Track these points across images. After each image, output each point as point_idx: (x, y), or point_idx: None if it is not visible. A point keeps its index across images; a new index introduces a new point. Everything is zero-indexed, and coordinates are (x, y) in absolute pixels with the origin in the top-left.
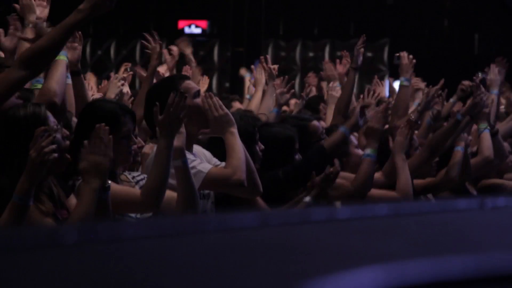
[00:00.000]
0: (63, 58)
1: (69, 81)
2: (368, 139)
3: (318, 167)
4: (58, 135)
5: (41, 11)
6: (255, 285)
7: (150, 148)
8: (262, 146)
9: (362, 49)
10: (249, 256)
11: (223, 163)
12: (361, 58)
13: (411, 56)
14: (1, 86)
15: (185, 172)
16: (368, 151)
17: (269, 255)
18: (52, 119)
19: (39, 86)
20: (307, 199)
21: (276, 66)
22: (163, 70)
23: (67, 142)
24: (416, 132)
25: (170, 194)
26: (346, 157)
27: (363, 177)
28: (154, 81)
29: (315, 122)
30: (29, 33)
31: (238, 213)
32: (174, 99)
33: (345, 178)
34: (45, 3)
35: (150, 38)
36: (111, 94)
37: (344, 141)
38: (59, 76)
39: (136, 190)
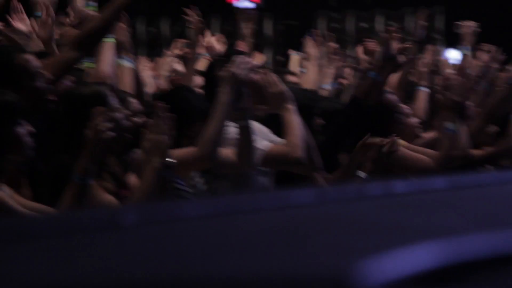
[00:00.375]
0: (111, 40)
1: (125, 62)
2: (448, 112)
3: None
4: (119, 115)
5: None
6: (313, 263)
7: None
8: (321, 121)
9: (423, 22)
10: (306, 234)
11: (281, 140)
12: (423, 31)
13: (473, 24)
14: (54, 67)
15: (248, 132)
16: (450, 125)
17: (326, 232)
18: (114, 99)
19: (93, 65)
20: (362, 174)
21: (332, 44)
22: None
23: (128, 122)
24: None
25: (226, 152)
26: (393, 124)
27: (445, 152)
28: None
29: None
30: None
31: (295, 190)
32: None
33: (415, 150)
34: None
35: (191, 13)
36: (165, 72)
37: (375, 86)
38: (109, 58)
39: (192, 147)
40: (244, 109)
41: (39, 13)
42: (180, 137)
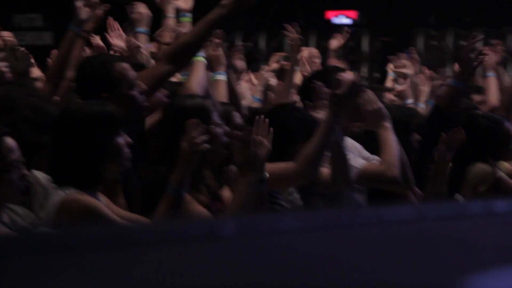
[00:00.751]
0: (201, 59)
1: (221, 77)
2: None
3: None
4: (218, 130)
5: (185, 2)
6: (413, 280)
7: None
8: (418, 137)
9: None
10: (405, 250)
11: (375, 157)
12: None
13: None
14: (148, 80)
15: (340, 148)
16: None
17: (426, 249)
18: (216, 113)
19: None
20: (459, 198)
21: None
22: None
23: (226, 138)
24: None
25: (324, 170)
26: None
27: None
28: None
29: (507, 125)
30: (166, 32)
31: (393, 207)
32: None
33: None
34: None
35: (291, 30)
36: (259, 87)
37: (457, 95)
38: (199, 77)
39: (290, 163)
40: (339, 126)
41: (141, 29)
42: (283, 156)
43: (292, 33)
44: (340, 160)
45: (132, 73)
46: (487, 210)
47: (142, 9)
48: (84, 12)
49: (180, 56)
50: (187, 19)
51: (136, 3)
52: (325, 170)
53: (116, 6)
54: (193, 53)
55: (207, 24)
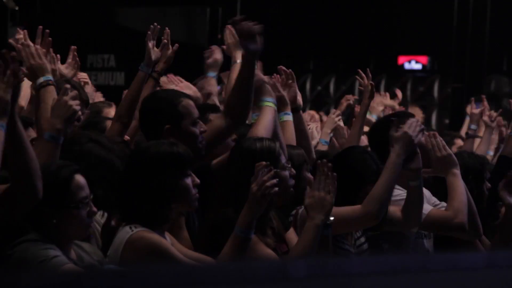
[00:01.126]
0: (271, 105)
1: (290, 118)
2: None
3: None
4: (286, 173)
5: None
6: None
7: None
8: (489, 185)
9: None
10: None
11: (443, 203)
12: None
13: None
14: (208, 133)
15: (420, 192)
16: None
17: None
18: (284, 157)
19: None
20: None
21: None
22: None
23: (292, 181)
24: None
25: (394, 209)
26: None
27: None
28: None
29: None
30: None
31: (463, 253)
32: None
33: None
34: None
35: (363, 75)
36: (327, 130)
37: None
38: (266, 122)
39: (356, 206)
40: (416, 170)
41: (212, 74)
42: (352, 198)
43: (364, 79)
44: (416, 204)
45: (196, 111)
46: None
47: (218, 56)
48: (154, 53)
49: (233, 109)
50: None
51: (214, 49)
52: (395, 210)
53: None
54: (243, 104)
55: (240, 77)
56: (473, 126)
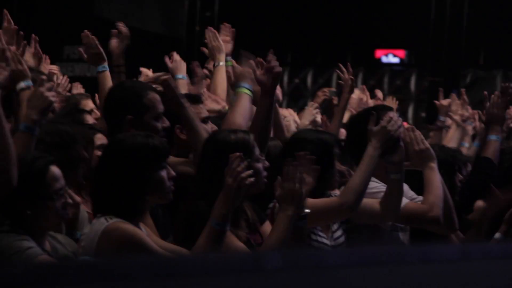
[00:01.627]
0: (246, 91)
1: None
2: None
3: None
4: (259, 164)
5: (226, 47)
6: None
7: None
8: (461, 177)
9: None
10: None
11: (420, 197)
12: None
13: None
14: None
15: (400, 185)
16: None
17: None
18: (257, 149)
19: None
20: (497, 235)
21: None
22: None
23: (265, 173)
24: None
25: (372, 202)
26: None
27: None
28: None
29: None
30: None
31: (437, 246)
32: None
33: None
34: (229, 38)
35: (343, 69)
36: (305, 121)
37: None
38: (242, 109)
39: (334, 198)
40: (398, 163)
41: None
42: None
43: (344, 73)
44: (395, 197)
45: (161, 107)
46: None
47: (177, 57)
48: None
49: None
50: (229, 63)
51: (172, 54)
52: (373, 202)
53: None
54: (265, 138)
55: (260, 115)
56: (441, 118)
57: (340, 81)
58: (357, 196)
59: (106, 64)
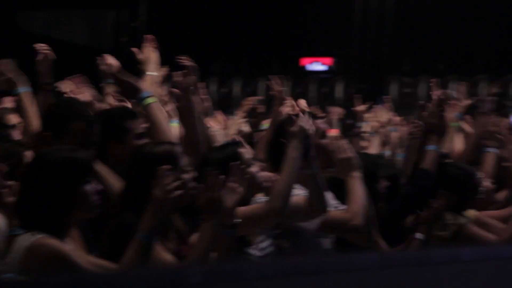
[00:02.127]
0: (150, 101)
1: (174, 123)
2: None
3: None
4: (186, 176)
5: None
6: None
7: None
8: (384, 184)
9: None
10: None
11: (344, 206)
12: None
13: None
14: None
15: (316, 179)
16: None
17: None
18: (184, 160)
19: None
20: (418, 235)
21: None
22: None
23: (194, 183)
24: None
25: (297, 199)
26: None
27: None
28: None
29: (476, 175)
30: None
31: (358, 254)
32: None
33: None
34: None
35: (274, 82)
36: (231, 131)
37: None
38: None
39: (260, 203)
40: (310, 158)
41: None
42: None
43: (276, 86)
44: (317, 190)
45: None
46: (452, 257)
47: (111, 60)
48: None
49: None
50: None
51: (105, 55)
52: (298, 200)
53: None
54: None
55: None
56: (359, 124)
57: (272, 93)
58: (284, 199)
59: (21, 87)
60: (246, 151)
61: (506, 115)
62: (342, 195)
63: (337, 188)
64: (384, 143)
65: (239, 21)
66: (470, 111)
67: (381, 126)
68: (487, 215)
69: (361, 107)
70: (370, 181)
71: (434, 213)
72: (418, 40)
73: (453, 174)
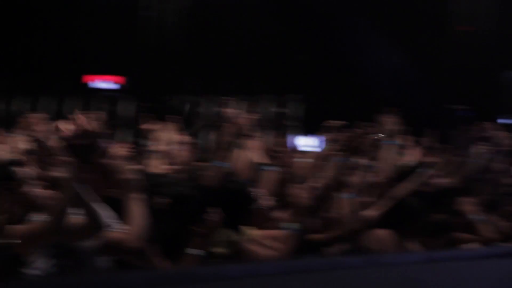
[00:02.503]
0: None
1: None
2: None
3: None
4: None
5: None
6: None
7: None
8: (166, 200)
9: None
10: None
11: (122, 226)
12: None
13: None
14: None
15: (82, 198)
16: (290, 224)
17: None
18: None
19: None
20: (194, 251)
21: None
22: None
23: None
24: None
25: (75, 218)
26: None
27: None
28: None
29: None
30: None
31: (129, 272)
32: None
33: None
34: None
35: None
36: (13, 149)
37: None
38: None
39: (37, 221)
40: (65, 162)
41: None
42: None
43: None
44: (86, 209)
45: None
46: (219, 274)
47: None
48: None
49: None
50: None
51: None
52: (77, 219)
53: None
54: None
55: None
56: (143, 142)
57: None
58: (58, 215)
59: None
60: (24, 170)
61: (285, 134)
62: (123, 216)
63: (118, 208)
64: (170, 162)
65: (40, 41)
66: (253, 129)
67: (167, 145)
68: (264, 234)
69: (148, 126)
70: (153, 200)
71: (209, 228)
72: (205, 60)
73: (229, 189)
